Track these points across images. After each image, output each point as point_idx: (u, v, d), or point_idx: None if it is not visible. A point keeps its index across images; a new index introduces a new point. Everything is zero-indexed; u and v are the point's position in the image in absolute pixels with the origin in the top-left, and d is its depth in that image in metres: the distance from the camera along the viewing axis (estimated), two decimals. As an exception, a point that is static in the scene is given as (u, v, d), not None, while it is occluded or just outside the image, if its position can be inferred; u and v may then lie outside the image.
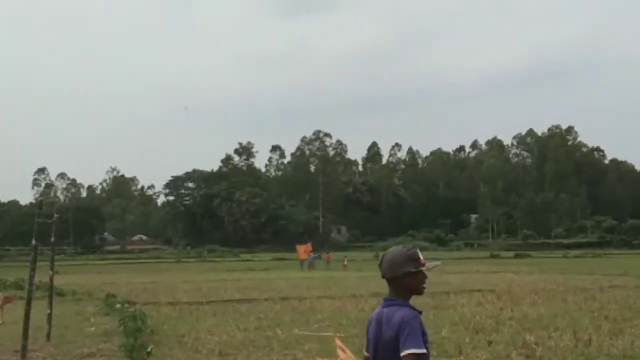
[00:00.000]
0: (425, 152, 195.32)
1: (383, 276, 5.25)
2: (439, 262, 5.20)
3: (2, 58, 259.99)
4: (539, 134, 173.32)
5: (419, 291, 5.22)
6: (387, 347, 5.02)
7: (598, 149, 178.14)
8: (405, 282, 5.16)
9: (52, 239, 19.33)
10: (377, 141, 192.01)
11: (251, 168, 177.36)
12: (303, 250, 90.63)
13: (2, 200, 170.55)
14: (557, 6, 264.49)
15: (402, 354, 4.87)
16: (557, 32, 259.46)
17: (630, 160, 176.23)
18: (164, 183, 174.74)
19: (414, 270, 5.14)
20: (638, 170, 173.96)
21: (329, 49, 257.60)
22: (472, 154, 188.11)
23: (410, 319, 5.07)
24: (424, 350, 4.89)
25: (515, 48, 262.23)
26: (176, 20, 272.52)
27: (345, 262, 74.98)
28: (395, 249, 5.36)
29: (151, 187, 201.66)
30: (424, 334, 5.02)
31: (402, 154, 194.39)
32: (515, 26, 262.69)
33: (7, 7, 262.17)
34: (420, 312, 5.12)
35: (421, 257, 5.21)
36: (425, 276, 5.20)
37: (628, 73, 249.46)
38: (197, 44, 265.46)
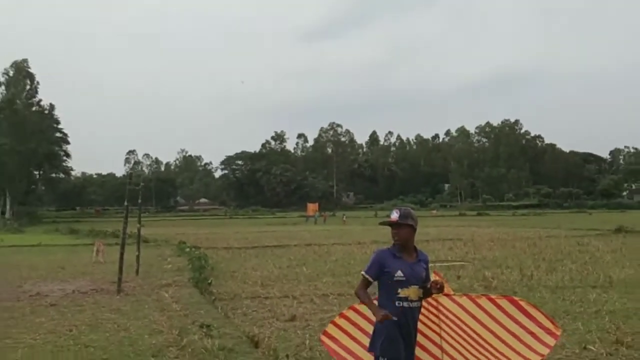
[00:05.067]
0: (411, 138, 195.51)
1: None
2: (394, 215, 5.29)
3: (106, 64, 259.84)
4: (495, 125, 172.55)
5: (394, 239, 5.25)
6: None
7: (538, 137, 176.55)
8: None
9: (139, 201, 19.42)
10: (376, 130, 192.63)
11: (284, 150, 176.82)
12: (312, 208, 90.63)
13: (103, 173, 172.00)
14: (504, 35, 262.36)
15: None
16: (506, 53, 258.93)
17: (560, 144, 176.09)
18: (220, 160, 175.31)
19: (385, 223, 5.33)
20: (567, 152, 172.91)
21: (340, 64, 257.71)
22: (445, 140, 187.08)
23: (373, 253, 5.36)
24: (362, 273, 5.20)
25: (475, 64, 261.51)
26: (232, 44, 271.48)
27: (344, 219, 75.03)
28: None
29: (210, 163, 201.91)
30: (381, 265, 5.12)
31: (393, 140, 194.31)
32: (477, 49, 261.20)
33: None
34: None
35: (392, 215, 5.27)
36: (394, 228, 5.21)
37: (558, 82, 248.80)
38: (246, 60, 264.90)
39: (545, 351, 5.45)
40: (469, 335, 5.56)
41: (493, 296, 5.69)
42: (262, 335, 9.40)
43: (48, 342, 9.43)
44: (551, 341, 5.41)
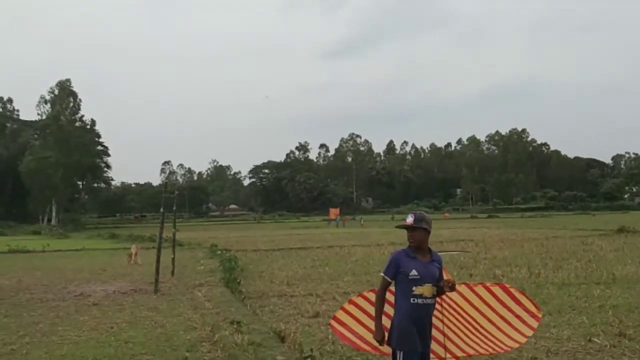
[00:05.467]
0: (425, 146, 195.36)
1: None
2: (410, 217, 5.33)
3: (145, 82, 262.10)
4: (503, 133, 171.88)
5: (409, 241, 5.30)
6: None
7: (545, 144, 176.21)
8: None
9: (174, 208, 19.52)
10: (393, 140, 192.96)
11: (307, 159, 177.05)
12: (333, 213, 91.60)
13: (141, 183, 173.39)
14: (510, 50, 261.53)
15: None
16: (513, 66, 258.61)
17: (565, 151, 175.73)
18: (249, 169, 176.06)
19: (401, 226, 5.37)
20: (571, 158, 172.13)
21: (359, 80, 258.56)
22: (457, 148, 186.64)
23: (390, 254, 5.38)
24: (381, 274, 5.28)
25: (484, 78, 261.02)
26: (259, 61, 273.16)
27: (362, 222, 75.30)
28: None
29: (239, 172, 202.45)
30: (397, 266, 5.17)
31: (409, 148, 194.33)
32: (485, 63, 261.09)
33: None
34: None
35: (407, 219, 5.32)
36: (409, 231, 5.26)
37: (563, 92, 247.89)
38: (271, 76, 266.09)
39: (529, 333, 5.76)
40: (466, 320, 5.73)
41: (488, 284, 5.79)
42: (288, 330, 9.41)
43: (91, 338, 9.52)
44: (534, 323, 5.70)
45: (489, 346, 5.72)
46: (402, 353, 5.04)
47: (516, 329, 5.63)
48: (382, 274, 5.27)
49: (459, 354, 5.72)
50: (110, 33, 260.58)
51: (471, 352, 5.79)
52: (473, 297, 5.69)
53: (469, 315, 5.71)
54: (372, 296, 5.73)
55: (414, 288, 5.08)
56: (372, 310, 5.58)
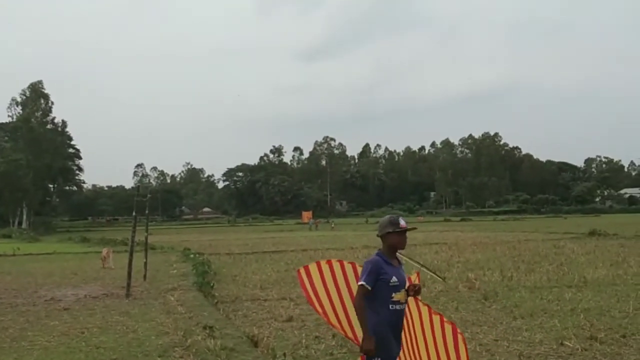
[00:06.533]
0: (399, 150, 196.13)
1: (377, 235, 5.27)
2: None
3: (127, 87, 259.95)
4: (476, 137, 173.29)
5: (399, 246, 5.16)
6: None
7: (516, 148, 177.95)
8: (387, 239, 5.15)
9: (147, 211, 19.38)
10: (368, 143, 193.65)
11: (281, 162, 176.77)
12: (306, 216, 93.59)
13: (113, 185, 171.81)
14: (483, 54, 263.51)
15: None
16: (486, 70, 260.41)
17: (537, 155, 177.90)
18: (222, 172, 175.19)
19: (391, 230, 5.12)
20: (543, 161, 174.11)
21: (333, 82, 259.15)
22: (431, 151, 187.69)
23: (367, 261, 5.18)
24: (362, 282, 5.02)
25: (458, 81, 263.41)
26: (232, 63, 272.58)
27: (333, 225, 75.95)
28: (385, 216, 5.41)
29: (213, 175, 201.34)
30: (378, 274, 5.01)
31: (382, 152, 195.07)
32: (459, 67, 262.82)
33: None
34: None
35: (401, 222, 5.16)
36: (402, 235, 5.13)
37: (535, 96, 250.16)
38: (245, 79, 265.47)
39: None
40: (409, 335, 5.65)
41: (445, 319, 5.68)
42: (261, 335, 9.37)
43: (61, 344, 9.39)
44: None
45: None
46: (379, 360, 5.01)
47: None
48: (362, 283, 5.02)
49: None
50: (82, 34, 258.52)
51: None
52: (427, 320, 5.60)
53: (414, 332, 5.68)
54: (349, 268, 5.76)
55: (393, 295, 5.01)
56: (341, 280, 5.66)
